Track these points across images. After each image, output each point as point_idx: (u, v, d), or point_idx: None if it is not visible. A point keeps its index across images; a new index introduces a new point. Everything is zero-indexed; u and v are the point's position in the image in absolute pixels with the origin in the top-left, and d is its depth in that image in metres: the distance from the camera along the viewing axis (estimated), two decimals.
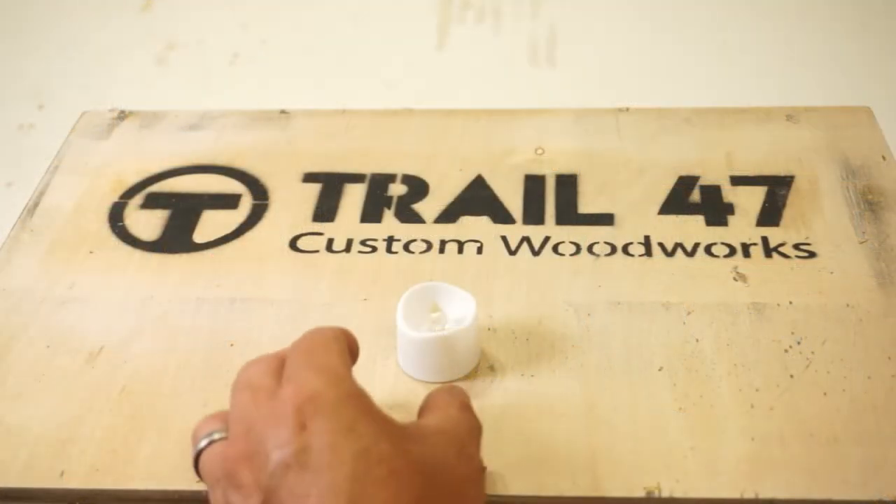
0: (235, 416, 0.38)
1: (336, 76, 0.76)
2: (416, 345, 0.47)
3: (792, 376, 0.47)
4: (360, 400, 0.35)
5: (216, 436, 0.39)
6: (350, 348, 0.40)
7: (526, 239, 0.56)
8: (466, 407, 0.42)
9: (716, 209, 0.58)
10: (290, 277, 0.55)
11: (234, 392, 0.39)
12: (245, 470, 0.35)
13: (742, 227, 0.56)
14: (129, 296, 0.54)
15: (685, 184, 0.60)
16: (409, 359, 0.48)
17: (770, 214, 0.57)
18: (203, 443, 0.39)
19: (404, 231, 0.58)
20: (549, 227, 0.57)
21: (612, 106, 0.67)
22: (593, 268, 0.54)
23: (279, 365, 0.39)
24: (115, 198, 0.62)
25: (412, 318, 0.47)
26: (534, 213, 0.58)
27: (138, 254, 0.57)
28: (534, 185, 0.61)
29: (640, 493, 0.42)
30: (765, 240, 0.55)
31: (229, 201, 0.61)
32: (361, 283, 0.54)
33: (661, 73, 0.73)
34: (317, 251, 0.57)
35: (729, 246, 0.55)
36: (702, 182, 0.60)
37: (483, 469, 0.41)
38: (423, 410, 0.42)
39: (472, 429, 0.41)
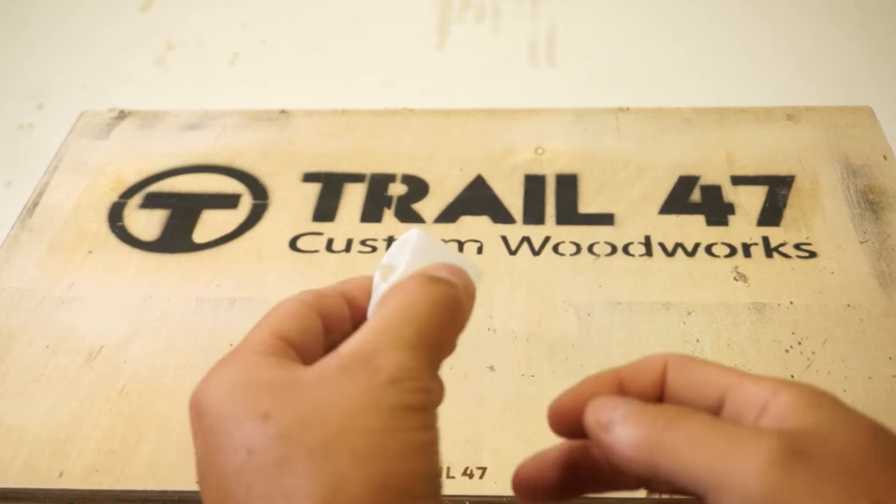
0: None
1: (336, 76, 0.75)
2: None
3: (793, 376, 0.47)
4: (238, 372, 0.28)
5: None
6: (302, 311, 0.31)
7: (526, 239, 0.56)
8: (407, 284, 0.30)
9: (716, 209, 0.57)
10: (289, 277, 0.55)
11: None
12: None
13: (743, 227, 0.56)
14: (129, 296, 0.54)
15: (685, 184, 0.60)
16: None
17: (771, 214, 0.57)
18: None
19: (404, 231, 0.57)
20: (550, 227, 0.57)
21: (612, 106, 0.67)
22: (593, 268, 0.54)
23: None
24: (114, 197, 0.61)
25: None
26: (534, 213, 0.58)
27: (138, 254, 0.57)
28: (534, 185, 0.60)
29: (641, 493, 0.42)
30: (765, 240, 0.55)
31: (229, 201, 0.61)
32: None
33: (661, 73, 0.73)
34: (317, 251, 0.57)
35: (729, 246, 0.55)
36: (702, 182, 0.60)
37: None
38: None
39: (407, 318, 0.29)
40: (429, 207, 0.59)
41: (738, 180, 0.60)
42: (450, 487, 0.43)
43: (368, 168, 0.62)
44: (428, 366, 0.28)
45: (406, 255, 0.33)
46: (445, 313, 0.30)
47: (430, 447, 0.27)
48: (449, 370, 0.48)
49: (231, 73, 0.76)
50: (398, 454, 0.26)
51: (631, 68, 0.74)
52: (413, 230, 0.35)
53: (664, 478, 0.26)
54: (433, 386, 0.28)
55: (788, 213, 0.57)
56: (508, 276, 0.54)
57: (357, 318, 0.33)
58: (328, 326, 0.32)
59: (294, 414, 0.26)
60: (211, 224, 0.59)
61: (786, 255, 0.54)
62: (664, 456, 0.26)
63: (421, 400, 0.27)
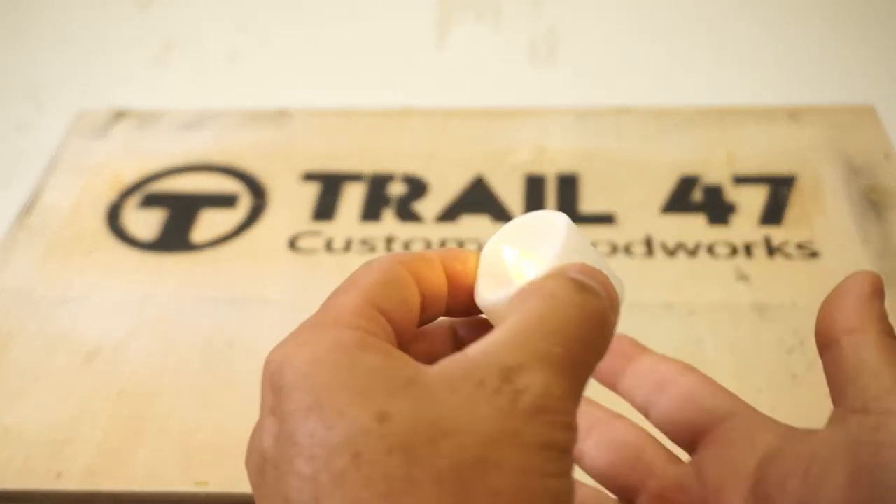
0: None
1: (335, 75, 0.75)
2: (496, 316, 0.28)
3: (795, 377, 0.47)
4: (339, 354, 0.23)
5: None
6: (422, 281, 0.27)
7: None
8: (560, 291, 0.25)
9: (718, 209, 0.57)
10: (289, 277, 0.54)
11: None
12: (249, 470, 0.25)
13: (744, 226, 0.56)
14: (127, 296, 0.54)
15: (687, 183, 0.59)
16: None
17: (772, 214, 0.57)
18: None
19: (404, 230, 0.57)
20: None
21: (612, 105, 0.66)
22: None
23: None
24: (112, 197, 0.61)
25: (495, 283, 0.29)
26: None
27: (136, 254, 0.57)
28: (534, 185, 0.60)
29: None
30: (767, 239, 0.55)
31: (228, 201, 0.60)
32: None
33: (662, 72, 0.73)
34: (316, 251, 0.56)
35: (731, 246, 0.55)
36: (703, 181, 0.59)
37: (568, 429, 0.23)
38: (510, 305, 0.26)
39: (555, 333, 0.24)
40: (429, 207, 0.59)
41: (739, 180, 0.59)
42: None
43: (368, 167, 0.62)
44: (573, 396, 0.23)
45: (554, 248, 0.27)
46: (598, 332, 0.25)
47: (568, 499, 0.22)
48: None
49: (230, 72, 0.76)
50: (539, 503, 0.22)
51: (632, 67, 0.74)
52: (558, 216, 0.28)
53: None
54: (575, 423, 0.23)
55: (790, 213, 0.57)
56: None
57: (455, 299, 0.28)
58: (424, 302, 0.27)
59: (418, 423, 0.22)
60: (210, 224, 0.59)
61: (788, 255, 0.54)
62: None
63: (565, 438, 0.23)
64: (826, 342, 0.28)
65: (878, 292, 0.27)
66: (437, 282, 0.27)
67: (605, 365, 0.34)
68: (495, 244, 0.29)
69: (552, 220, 0.28)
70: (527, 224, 0.29)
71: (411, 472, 0.21)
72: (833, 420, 0.27)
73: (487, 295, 0.28)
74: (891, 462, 0.24)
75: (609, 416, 0.33)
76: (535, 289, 0.25)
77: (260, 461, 0.23)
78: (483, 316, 0.29)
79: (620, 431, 0.33)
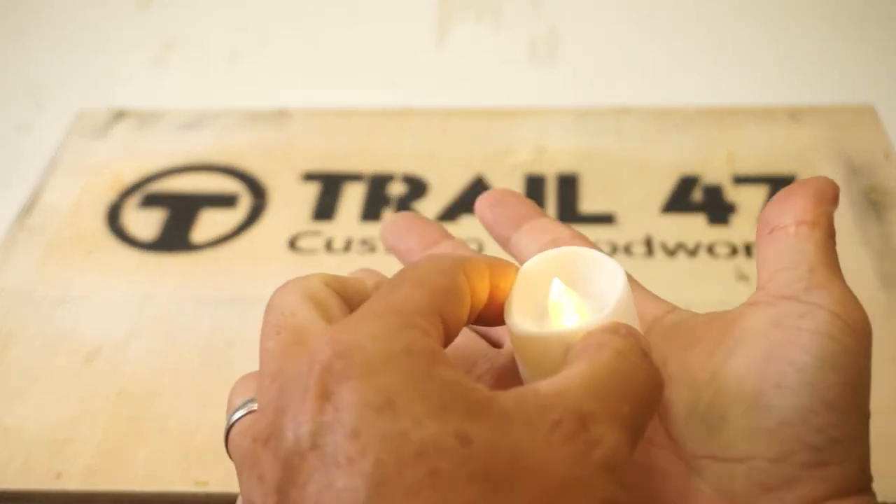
0: (263, 370, 0.26)
1: (335, 75, 0.75)
2: (535, 347, 0.29)
3: None
4: (415, 359, 0.23)
5: (253, 405, 0.28)
6: (474, 290, 0.27)
7: None
8: (628, 351, 0.25)
9: (718, 208, 0.57)
10: (289, 277, 0.54)
11: (263, 330, 0.27)
12: (268, 455, 0.23)
13: (744, 226, 0.56)
14: (127, 296, 0.54)
15: (686, 183, 0.59)
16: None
17: None
18: (237, 415, 0.28)
19: None
20: None
21: (612, 105, 0.66)
22: None
23: (339, 286, 0.30)
24: (112, 197, 0.61)
25: (528, 309, 0.30)
26: None
27: (136, 254, 0.57)
28: (534, 185, 0.60)
29: None
30: None
31: (228, 201, 0.60)
32: None
33: (662, 72, 0.73)
34: (316, 251, 0.56)
35: (731, 246, 0.55)
36: (703, 181, 0.59)
37: (614, 464, 0.23)
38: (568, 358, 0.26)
39: (624, 392, 0.24)
40: (429, 207, 0.59)
41: (739, 180, 0.59)
42: None
43: (368, 167, 0.62)
44: (632, 455, 0.24)
45: (611, 302, 0.27)
46: (656, 396, 0.25)
47: None
48: None
49: (230, 72, 0.76)
50: None
51: (632, 67, 0.74)
52: (615, 267, 0.29)
53: None
54: (629, 483, 0.23)
55: None
56: None
57: (487, 310, 0.28)
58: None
59: (499, 453, 0.21)
60: (209, 224, 0.59)
61: None
62: None
63: (624, 498, 0.22)
64: (772, 227, 0.29)
65: (835, 198, 0.29)
66: (483, 296, 0.28)
67: (502, 220, 0.35)
68: (539, 268, 0.30)
69: (608, 266, 0.29)
70: (579, 258, 0.30)
71: (494, 501, 0.21)
72: (756, 302, 0.28)
73: (522, 323, 0.28)
74: (808, 346, 0.26)
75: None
76: (602, 342, 0.25)
77: (283, 450, 0.22)
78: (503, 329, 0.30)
79: None
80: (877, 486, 0.42)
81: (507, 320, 0.29)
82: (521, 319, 0.28)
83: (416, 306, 0.24)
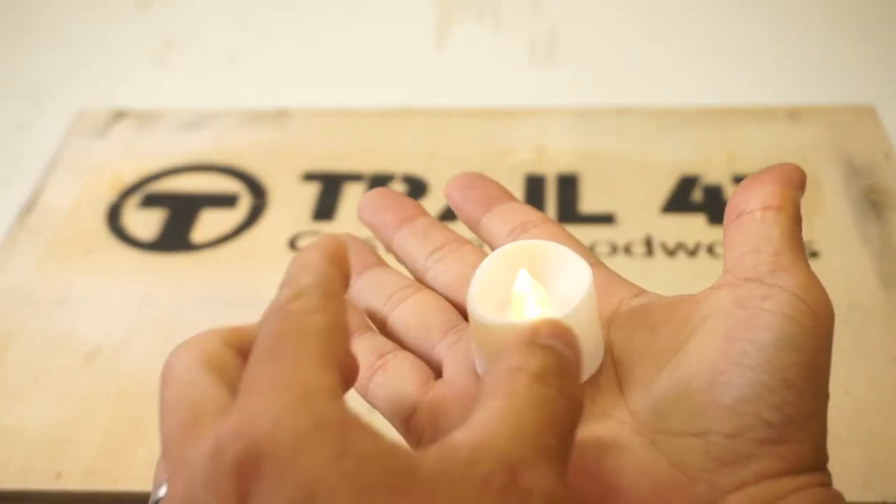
0: (165, 453, 0.26)
1: (336, 75, 0.75)
2: (492, 336, 0.28)
3: None
4: (326, 434, 0.21)
5: (161, 491, 0.27)
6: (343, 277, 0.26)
7: None
8: (546, 374, 0.24)
9: (718, 209, 0.57)
10: None
11: (160, 397, 0.26)
12: None
13: None
14: (127, 296, 0.54)
15: (687, 183, 0.59)
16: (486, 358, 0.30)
17: None
18: (161, 492, 0.27)
19: None
20: None
21: (612, 105, 0.66)
22: None
23: (238, 340, 0.28)
24: (112, 197, 0.61)
25: (492, 297, 0.30)
26: None
27: (136, 254, 0.57)
28: (534, 185, 0.60)
29: None
30: None
31: (228, 201, 0.60)
32: None
33: (662, 72, 0.73)
34: None
35: None
36: (703, 181, 0.59)
37: None
38: (478, 397, 0.24)
39: (547, 424, 0.23)
40: (429, 207, 0.58)
41: (739, 180, 0.59)
42: None
43: (368, 167, 0.62)
44: (566, 481, 0.22)
45: (577, 298, 0.28)
46: (578, 420, 0.24)
47: None
48: None
49: (230, 72, 0.76)
50: None
51: (632, 67, 0.74)
52: (585, 271, 0.29)
53: None
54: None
55: None
56: None
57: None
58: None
59: None
60: (210, 224, 0.59)
61: None
62: None
63: None
64: (739, 212, 0.29)
65: (802, 184, 0.30)
66: (347, 282, 0.26)
67: (472, 202, 0.36)
68: (508, 257, 0.30)
69: (577, 265, 0.29)
70: (550, 252, 0.30)
71: None
72: (721, 284, 0.29)
73: (482, 309, 0.28)
74: (769, 326, 0.26)
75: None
76: (519, 366, 0.23)
77: None
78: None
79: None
80: (877, 485, 0.42)
81: (468, 304, 0.28)
82: (481, 305, 0.28)
83: (310, 365, 0.22)
